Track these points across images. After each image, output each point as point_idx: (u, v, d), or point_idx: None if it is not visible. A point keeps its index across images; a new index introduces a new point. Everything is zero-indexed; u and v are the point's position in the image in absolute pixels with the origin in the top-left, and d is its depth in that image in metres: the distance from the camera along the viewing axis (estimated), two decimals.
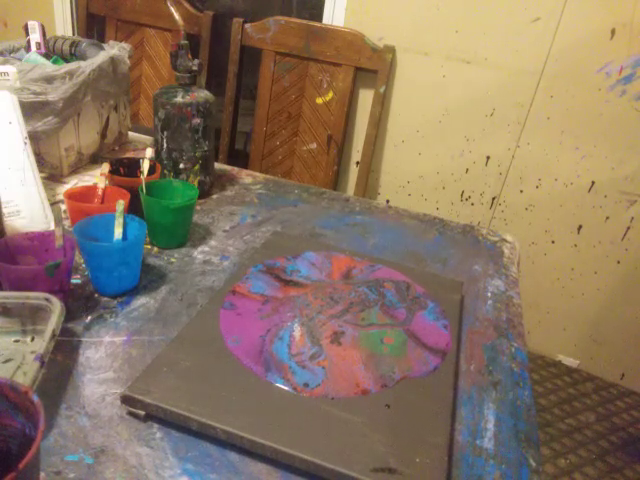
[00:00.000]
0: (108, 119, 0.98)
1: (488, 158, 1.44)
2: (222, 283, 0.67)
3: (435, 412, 0.49)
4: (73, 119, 0.88)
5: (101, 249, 0.59)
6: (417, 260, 0.79)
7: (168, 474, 0.43)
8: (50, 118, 0.81)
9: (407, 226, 0.90)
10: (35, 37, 0.94)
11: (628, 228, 1.38)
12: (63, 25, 1.76)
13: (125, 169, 0.81)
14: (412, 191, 1.56)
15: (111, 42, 0.97)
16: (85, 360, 0.53)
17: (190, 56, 0.82)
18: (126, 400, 0.47)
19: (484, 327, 0.66)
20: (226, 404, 0.47)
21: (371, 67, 1.39)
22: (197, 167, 0.86)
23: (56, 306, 0.50)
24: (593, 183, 1.37)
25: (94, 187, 0.73)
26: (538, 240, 1.49)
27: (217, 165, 1.00)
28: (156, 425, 0.47)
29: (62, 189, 0.84)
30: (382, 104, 1.42)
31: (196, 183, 0.87)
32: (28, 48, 0.95)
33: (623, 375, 1.55)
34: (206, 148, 0.86)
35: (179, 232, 0.74)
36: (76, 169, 0.92)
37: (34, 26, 0.94)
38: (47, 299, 0.51)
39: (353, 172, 1.58)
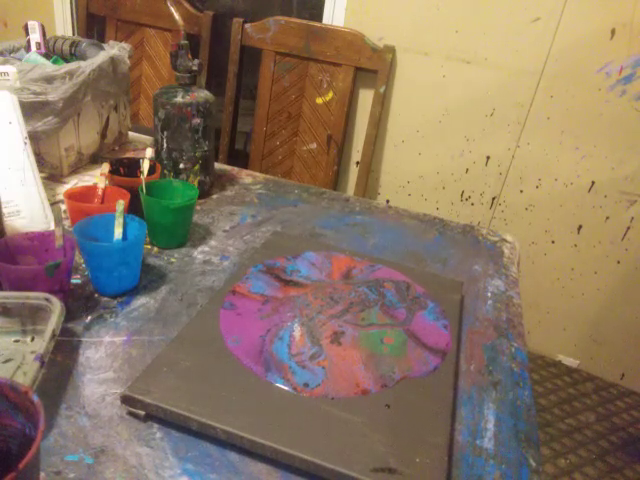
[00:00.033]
0: (108, 119, 0.98)
1: (488, 158, 1.44)
2: (222, 283, 0.67)
3: (435, 412, 0.49)
4: (73, 119, 0.88)
5: (101, 249, 0.59)
6: (417, 260, 0.79)
7: (168, 474, 0.43)
8: (50, 118, 0.81)
9: (407, 226, 0.90)
10: (35, 37, 0.94)
11: (628, 228, 1.38)
12: (63, 25, 1.76)
13: (125, 169, 0.81)
14: (412, 191, 1.56)
15: (111, 42, 0.97)
16: (85, 360, 0.53)
17: (190, 56, 0.82)
18: (126, 400, 0.47)
19: (484, 327, 0.66)
20: (226, 404, 0.47)
21: (371, 67, 1.39)
22: (197, 167, 0.86)
23: (56, 306, 0.50)
24: (593, 183, 1.37)
25: (94, 187, 0.73)
26: (538, 240, 1.49)
27: (217, 165, 1.00)
28: (156, 425, 0.47)
29: (62, 189, 0.84)
30: (382, 104, 1.42)
31: (196, 183, 0.87)
32: (28, 48, 0.95)
33: (623, 375, 1.55)
34: (206, 148, 0.86)
35: (179, 232, 0.74)
36: (76, 169, 0.92)
37: (34, 26, 0.94)
38: (47, 299, 0.51)
39: (353, 172, 1.58)
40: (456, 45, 1.35)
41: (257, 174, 1.03)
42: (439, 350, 0.58)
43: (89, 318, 0.58)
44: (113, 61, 0.92)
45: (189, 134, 0.83)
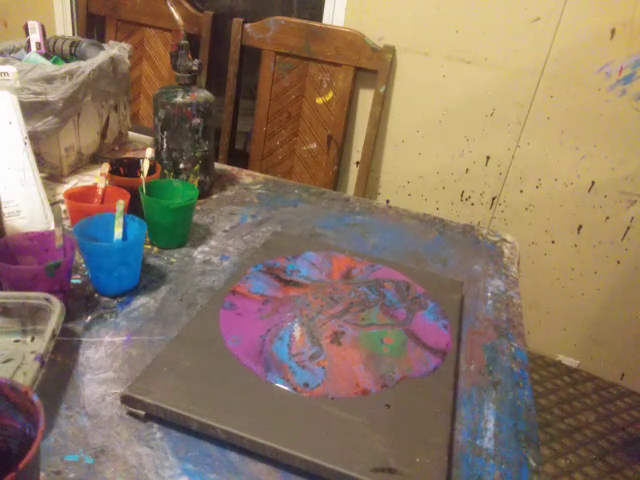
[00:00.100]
0: (108, 119, 0.98)
1: (488, 158, 1.44)
2: (222, 283, 0.67)
3: (435, 412, 0.49)
4: (73, 119, 0.88)
5: (101, 249, 0.59)
6: (417, 260, 0.79)
7: (168, 474, 0.43)
8: (50, 118, 0.81)
9: (407, 226, 0.90)
10: (35, 37, 0.94)
11: (628, 228, 1.38)
12: (63, 25, 1.76)
13: (125, 169, 0.81)
14: (412, 191, 1.56)
15: (111, 42, 0.97)
16: (85, 360, 0.53)
17: (190, 56, 0.82)
18: (126, 400, 0.47)
19: (484, 327, 0.66)
20: (226, 404, 0.47)
21: (371, 67, 1.39)
22: (197, 167, 0.86)
23: (56, 306, 0.50)
24: (593, 183, 1.37)
25: (94, 187, 0.73)
26: (538, 240, 1.49)
27: (217, 165, 1.00)
28: (156, 425, 0.47)
29: (62, 189, 0.84)
30: (382, 104, 1.42)
31: (196, 183, 0.87)
32: (28, 48, 0.95)
33: (623, 375, 1.55)
34: (206, 148, 0.86)
35: (179, 232, 0.74)
36: (76, 169, 0.92)
37: (34, 26, 0.94)
38: (47, 299, 0.51)
39: (353, 172, 1.58)
40: (456, 45, 1.35)
41: (257, 174, 1.03)
42: (439, 350, 0.58)
43: (89, 318, 0.58)
44: (113, 61, 0.92)
45: (189, 134, 0.83)
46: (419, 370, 0.54)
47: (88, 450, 0.44)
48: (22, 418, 0.34)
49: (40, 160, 0.86)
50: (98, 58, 0.89)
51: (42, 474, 0.41)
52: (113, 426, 0.46)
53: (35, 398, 0.33)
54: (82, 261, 0.66)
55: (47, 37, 0.96)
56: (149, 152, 0.77)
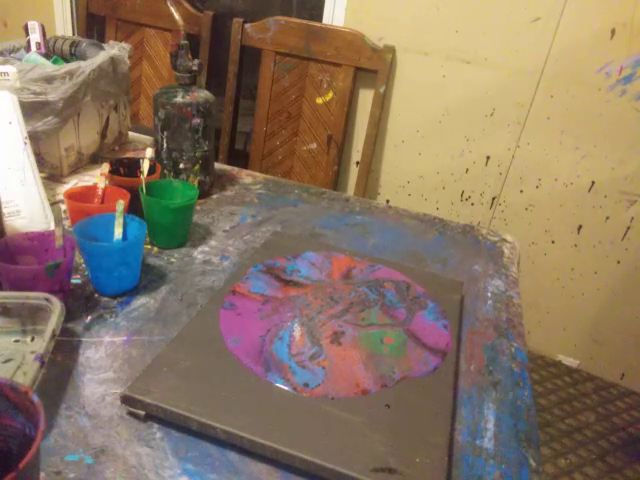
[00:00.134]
0: (108, 119, 0.98)
1: (488, 158, 1.44)
2: (222, 283, 0.67)
3: (435, 412, 0.49)
4: (73, 119, 0.88)
5: (101, 249, 0.59)
6: (417, 260, 0.79)
7: (168, 474, 0.43)
8: (50, 118, 0.81)
9: (407, 226, 0.90)
10: (35, 37, 0.94)
11: (628, 228, 1.38)
12: (63, 25, 1.76)
13: (125, 169, 0.81)
14: (412, 191, 1.56)
15: (111, 42, 0.97)
16: (85, 360, 0.53)
17: (190, 56, 0.82)
18: (126, 400, 0.47)
19: (484, 327, 0.66)
20: (226, 404, 0.47)
21: (371, 67, 1.39)
22: (197, 167, 0.86)
23: (56, 306, 0.50)
24: (593, 183, 1.37)
25: (94, 187, 0.73)
26: (538, 240, 1.49)
27: (217, 165, 1.00)
28: (156, 425, 0.47)
29: (62, 189, 0.84)
30: (382, 104, 1.42)
31: (196, 183, 0.87)
32: (28, 48, 0.95)
33: (623, 375, 1.55)
34: (206, 148, 0.86)
35: (179, 232, 0.74)
36: (76, 169, 0.92)
37: (34, 26, 0.94)
38: (47, 299, 0.51)
39: (353, 172, 1.58)
40: (456, 45, 1.35)
41: (257, 174, 1.03)
42: (439, 350, 0.58)
43: (89, 318, 0.58)
44: (113, 61, 0.92)
45: (189, 134, 0.83)
46: (419, 370, 0.54)
47: (88, 450, 0.44)
48: (22, 418, 0.34)
49: (40, 160, 0.86)
50: (98, 58, 0.89)
51: (42, 474, 0.41)
52: (113, 426, 0.46)
53: (35, 398, 0.33)
54: (82, 261, 0.66)
55: (47, 37, 0.96)
56: (149, 152, 0.77)
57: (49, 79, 0.80)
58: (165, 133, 0.83)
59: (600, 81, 1.27)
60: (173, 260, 0.71)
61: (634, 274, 1.43)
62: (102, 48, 0.94)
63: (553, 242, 1.47)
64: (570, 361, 1.59)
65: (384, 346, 0.57)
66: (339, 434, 0.45)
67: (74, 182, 0.88)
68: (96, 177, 0.79)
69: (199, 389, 0.48)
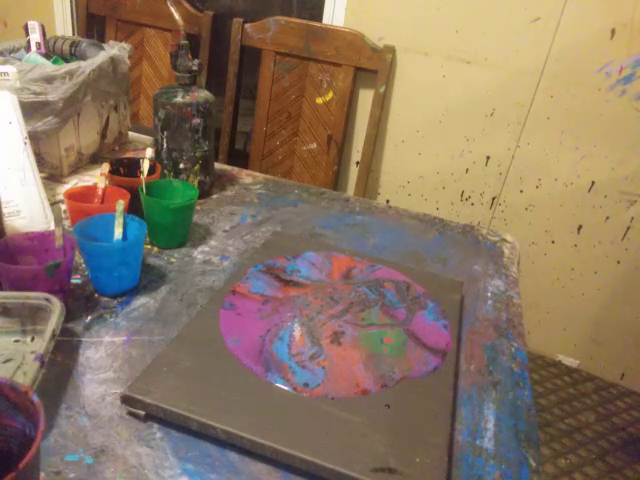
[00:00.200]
0: (108, 119, 0.98)
1: (488, 158, 1.44)
2: (222, 283, 0.67)
3: (435, 412, 0.49)
4: (73, 119, 0.88)
5: (101, 249, 0.59)
6: (417, 260, 0.79)
7: (168, 474, 0.43)
8: (50, 118, 0.81)
9: (407, 226, 0.90)
10: (35, 37, 0.94)
11: (628, 228, 1.38)
12: (63, 25, 1.76)
13: (125, 169, 0.81)
14: (412, 191, 1.56)
15: (111, 42, 0.97)
16: (85, 360, 0.53)
17: (190, 56, 0.82)
18: (126, 400, 0.47)
19: (484, 327, 0.66)
20: (226, 404, 0.47)
21: (371, 67, 1.39)
22: (197, 167, 0.86)
23: (56, 306, 0.50)
24: (593, 183, 1.37)
25: (94, 187, 0.73)
26: (538, 240, 1.49)
27: (217, 165, 1.00)
28: (156, 425, 0.47)
29: (62, 189, 0.84)
30: (382, 104, 1.42)
31: (196, 183, 0.87)
32: (28, 48, 0.95)
33: (623, 375, 1.55)
34: (206, 148, 0.86)
35: (179, 232, 0.74)
36: (76, 169, 0.92)
37: (34, 26, 0.94)
38: (47, 299, 0.51)
39: (353, 172, 1.58)
40: (456, 45, 1.35)
41: (257, 174, 1.03)
42: (439, 350, 0.58)
43: (89, 318, 0.58)
44: (113, 61, 0.92)
45: (189, 134, 0.83)
46: (419, 370, 0.54)
47: (88, 450, 0.44)
48: (22, 418, 0.34)
49: (40, 160, 0.86)
50: (98, 58, 0.89)
51: (42, 474, 0.41)
52: (113, 426, 0.46)
53: (35, 398, 0.33)
54: (82, 261, 0.66)
55: (47, 37, 0.96)
56: (149, 152, 0.77)
57: (49, 79, 0.80)
58: (165, 133, 0.83)
59: (600, 81, 1.27)
60: (173, 260, 0.71)
61: (634, 274, 1.43)
62: (102, 48, 0.94)
63: (553, 242, 1.47)
64: (570, 361, 1.59)
65: (384, 346, 0.57)
66: (339, 434, 0.45)
67: (74, 182, 0.88)
68: (96, 177, 0.79)
69: (199, 389, 0.48)
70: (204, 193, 0.90)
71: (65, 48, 0.94)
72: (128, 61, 0.96)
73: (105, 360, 0.53)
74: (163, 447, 0.45)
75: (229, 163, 1.10)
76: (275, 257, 0.71)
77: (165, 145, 0.84)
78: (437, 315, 0.63)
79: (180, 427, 0.46)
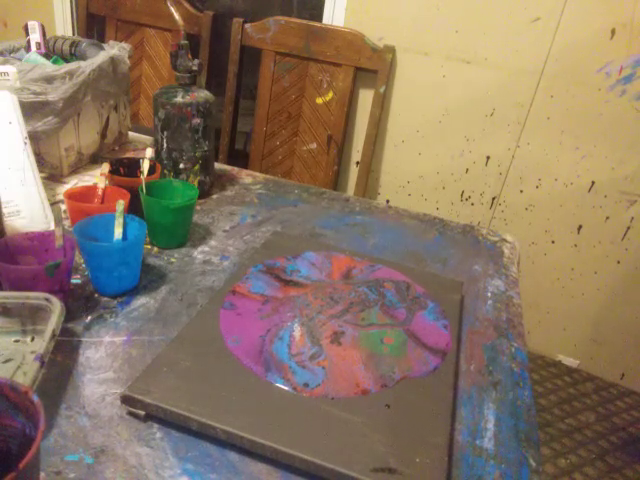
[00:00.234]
0: (108, 119, 0.98)
1: (488, 158, 1.44)
2: (222, 283, 0.67)
3: (435, 412, 0.49)
4: (73, 119, 0.88)
5: (101, 249, 0.59)
6: (417, 260, 0.79)
7: (168, 474, 0.43)
8: (50, 118, 0.81)
9: (407, 226, 0.90)
10: (35, 37, 0.94)
11: (628, 228, 1.38)
12: (63, 25, 1.76)
13: (125, 169, 0.81)
14: (412, 191, 1.56)
15: (111, 42, 0.97)
16: (85, 360, 0.53)
17: (190, 56, 0.82)
18: (126, 400, 0.47)
19: (484, 327, 0.66)
20: (226, 404, 0.47)
21: (371, 67, 1.39)
22: (197, 167, 0.86)
23: (56, 306, 0.50)
24: (593, 183, 1.37)
25: (94, 187, 0.73)
26: (538, 240, 1.49)
27: (217, 165, 1.00)
28: (156, 425, 0.47)
29: (62, 189, 0.84)
30: (382, 104, 1.42)
31: (196, 183, 0.87)
32: (28, 48, 0.95)
33: (623, 375, 1.55)
34: (206, 148, 0.86)
35: (179, 232, 0.74)
36: (76, 169, 0.92)
37: (34, 26, 0.94)
38: (47, 299, 0.51)
39: (353, 172, 1.58)
40: (456, 45, 1.35)
41: (257, 174, 1.03)
42: (439, 350, 0.58)
43: (89, 318, 0.58)
44: (113, 61, 0.92)
45: (189, 134, 0.83)
46: (419, 370, 0.54)
47: (88, 450, 0.44)
48: (22, 418, 0.34)
49: (40, 160, 0.86)
50: (98, 58, 0.89)
51: (42, 474, 0.41)
52: (113, 426, 0.46)
53: (35, 398, 0.33)
54: (82, 261, 0.66)
55: (47, 37, 0.96)
56: (149, 152, 0.77)
57: (49, 79, 0.80)
58: (165, 133, 0.83)
59: (600, 81, 1.27)
60: (173, 260, 0.71)
61: (634, 274, 1.43)
62: (102, 48, 0.94)
63: (553, 242, 1.47)
64: (570, 361, 1.59)
65: (384, 346, 0.57)
66: (339, 434, 0.45)
67: (74, 182, 0.88)
68: (96, 177, 0.79)
69: (199, 389, 0.48)
70: (204, 193, 0.90)
71: (65, 48, 0.94)
72: (128, 61, 0.96)
73: (105, 360, 0.53)
74: (163, 447, 0.45)
75: (229, 163, 1.10)
76: (275, 257, 0.71)
77: (165, 145, 0.84)
78: (437, 315, 0.63)
79: (180, 427, 0.47)
